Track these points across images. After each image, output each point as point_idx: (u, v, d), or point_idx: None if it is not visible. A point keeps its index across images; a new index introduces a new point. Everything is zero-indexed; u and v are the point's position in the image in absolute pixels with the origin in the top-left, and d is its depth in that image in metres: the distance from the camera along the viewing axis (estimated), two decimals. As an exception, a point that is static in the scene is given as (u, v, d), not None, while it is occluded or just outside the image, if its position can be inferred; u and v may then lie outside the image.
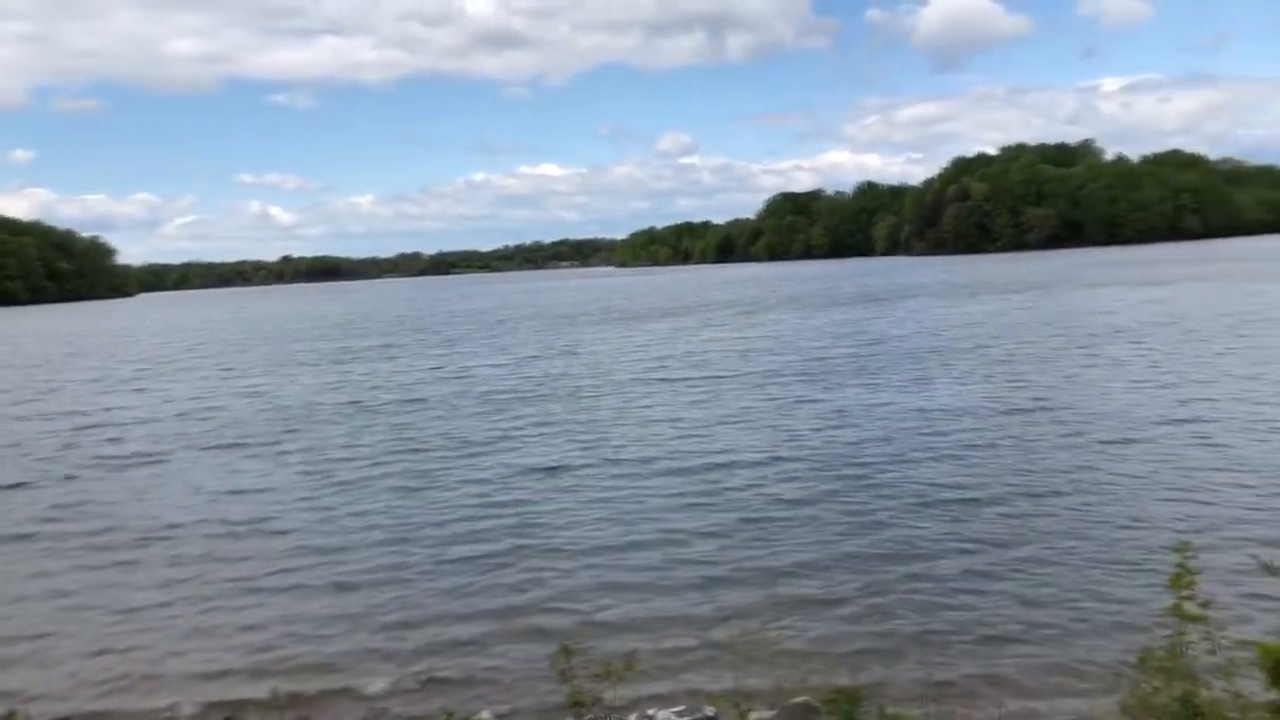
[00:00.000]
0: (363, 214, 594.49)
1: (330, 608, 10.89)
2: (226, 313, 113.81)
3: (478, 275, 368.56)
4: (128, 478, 18.53)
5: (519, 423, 22.01)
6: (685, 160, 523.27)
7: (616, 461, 17.32)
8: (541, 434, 20.48)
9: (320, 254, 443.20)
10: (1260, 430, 16.93)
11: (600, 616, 10.18)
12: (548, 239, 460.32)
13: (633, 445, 18.72)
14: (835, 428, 19.44)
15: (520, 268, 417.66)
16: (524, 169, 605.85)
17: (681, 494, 14.87)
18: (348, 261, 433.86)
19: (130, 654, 9.96)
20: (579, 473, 16.63)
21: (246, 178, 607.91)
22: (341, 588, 11.51)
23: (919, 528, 12.52)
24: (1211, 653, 4.84)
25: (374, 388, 30.58)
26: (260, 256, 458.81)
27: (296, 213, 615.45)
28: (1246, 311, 39.08)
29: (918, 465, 15.87)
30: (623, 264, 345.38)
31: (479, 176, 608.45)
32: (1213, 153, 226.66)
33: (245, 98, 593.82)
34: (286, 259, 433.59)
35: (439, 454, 18.96)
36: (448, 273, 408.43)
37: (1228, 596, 8.67)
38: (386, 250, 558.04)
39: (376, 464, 18.34)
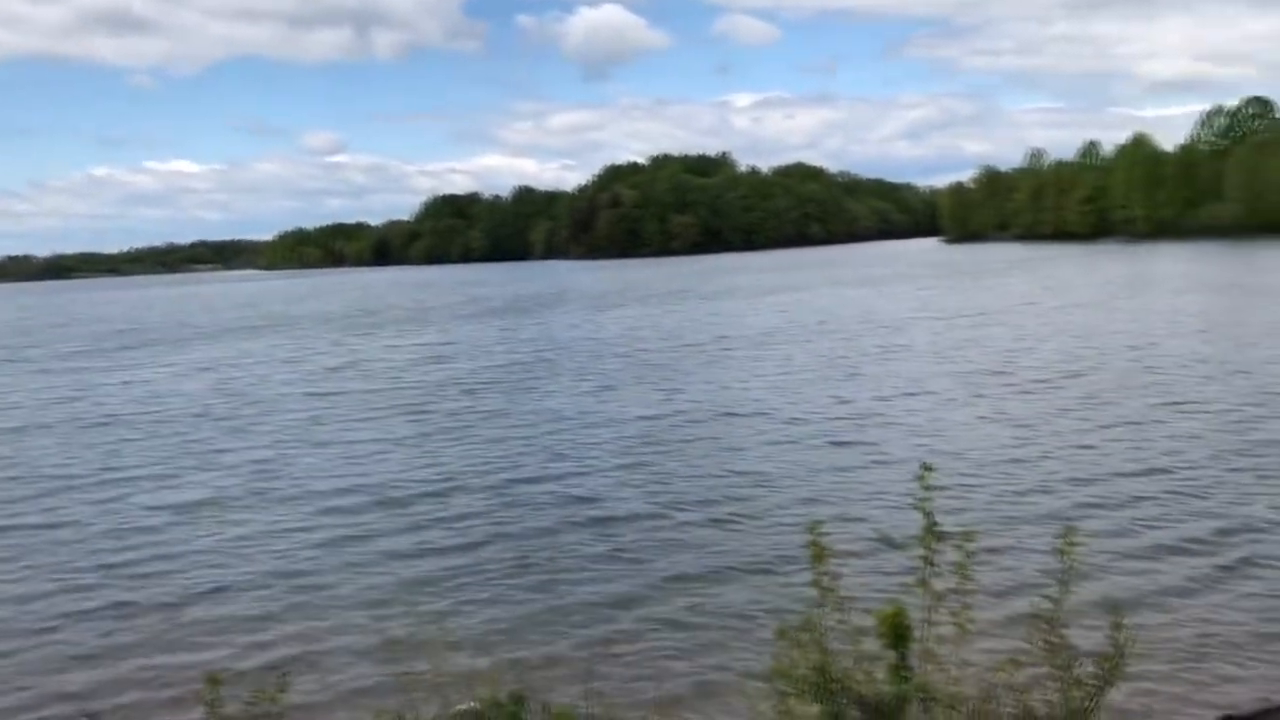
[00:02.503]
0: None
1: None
2: None
3: (103, 280, 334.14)
4: None
5: (149, 453, 19.85)
6: (334, 159, 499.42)
7: (264, 492, 16.08)
8: (179, 465, 18.60)
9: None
10: (891, 419, 18.85)
11: (254, 649, 9.47)
12: (184, 240, 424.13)
13: (284, 473, 17.47)
14: (494, 441, 19.45)
15: (153, 271, 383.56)
16: (153, 164, 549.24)
17: (340, 518, 14.24)
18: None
19: None
20: (224, 507, 15.16)
21: None
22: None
23: (575, 533, 12.76)
24: (842, 622, 5.15)
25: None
26: None
27: None
28: (875, 311, 43.55)
29: (578, 475, 16.21)
30: (270, 267, 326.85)
31: (100, 172, 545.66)
32: (832, 166, 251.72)
33: None
34: None
35: (46, 494, 16.64)
36: (66, 277, 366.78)
37: (857, 568, 9.51)
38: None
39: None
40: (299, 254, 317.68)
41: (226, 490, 15.82)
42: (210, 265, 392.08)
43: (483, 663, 8.67)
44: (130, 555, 12.45)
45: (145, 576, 11.61)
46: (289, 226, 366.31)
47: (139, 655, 9.39)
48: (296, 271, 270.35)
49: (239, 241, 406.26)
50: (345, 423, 21.46)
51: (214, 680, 5.93)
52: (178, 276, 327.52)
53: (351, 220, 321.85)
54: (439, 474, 16.10)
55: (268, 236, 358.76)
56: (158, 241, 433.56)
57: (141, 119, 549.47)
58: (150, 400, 26.85)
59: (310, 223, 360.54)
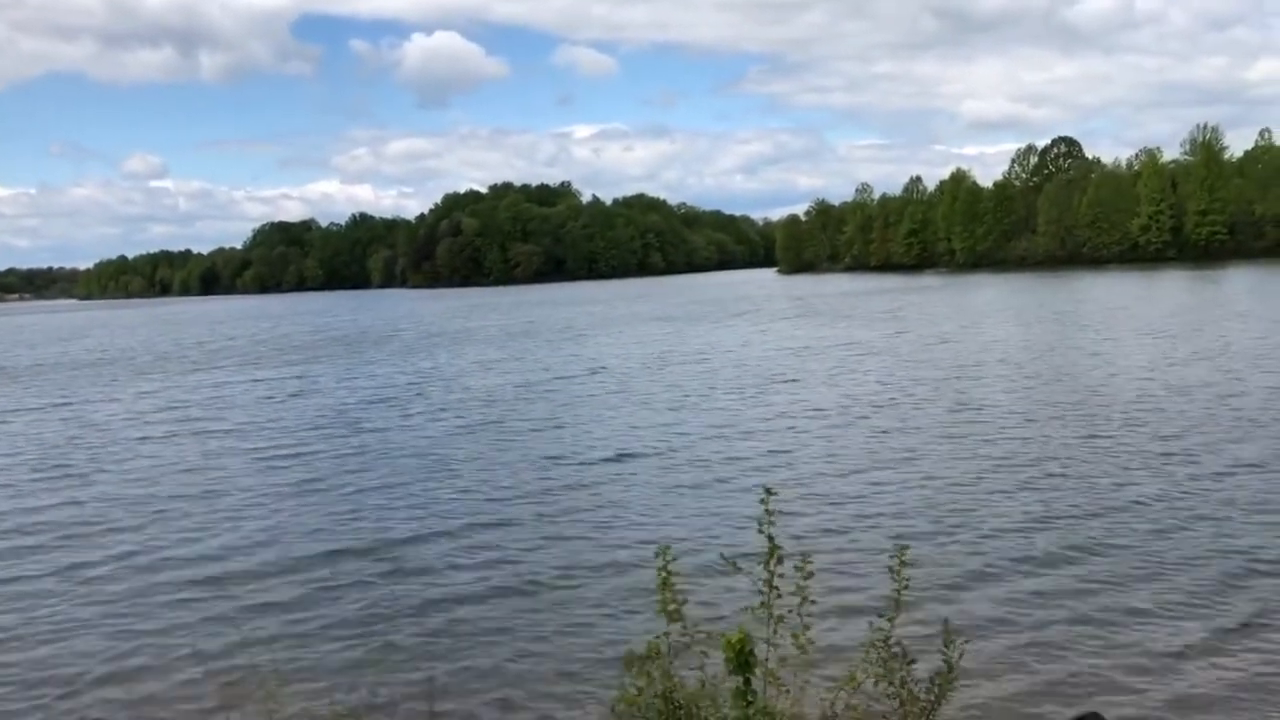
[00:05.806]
0: None
1: None
2: None
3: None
4: None
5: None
6: (157, 184, 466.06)
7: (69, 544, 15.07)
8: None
9: None
10: (736, 453, 19.13)
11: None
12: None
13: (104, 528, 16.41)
14: (335, 488, 18.81)
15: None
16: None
17: (173, 573, 13.48)
18: None
19: None
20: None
21: None
22: None
23: (428, 589, 12.43)
24: (687, 647, 5.15)
25: None
26: None
27: None
28: (745, 345, 44.18)
29: (427, 532, 15.85)
30: (88, 296, 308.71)
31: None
32: (671, 198, 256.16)
33: None
34: None
35: None
36: None
37: (704, 592, 9.55)
38: None
39: None
40: (119, 283, 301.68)
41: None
42: (20, 295, 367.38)
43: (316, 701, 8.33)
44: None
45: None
46: (109, 254, 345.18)
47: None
48: (117, 302, 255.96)
49: (53, 270, 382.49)
50: (182, 472, 20.32)
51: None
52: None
53: (177, 248, 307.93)
54: (267, 528, 15.32)
55: (85, 265, 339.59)
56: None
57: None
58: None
59: (132, 250, 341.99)
